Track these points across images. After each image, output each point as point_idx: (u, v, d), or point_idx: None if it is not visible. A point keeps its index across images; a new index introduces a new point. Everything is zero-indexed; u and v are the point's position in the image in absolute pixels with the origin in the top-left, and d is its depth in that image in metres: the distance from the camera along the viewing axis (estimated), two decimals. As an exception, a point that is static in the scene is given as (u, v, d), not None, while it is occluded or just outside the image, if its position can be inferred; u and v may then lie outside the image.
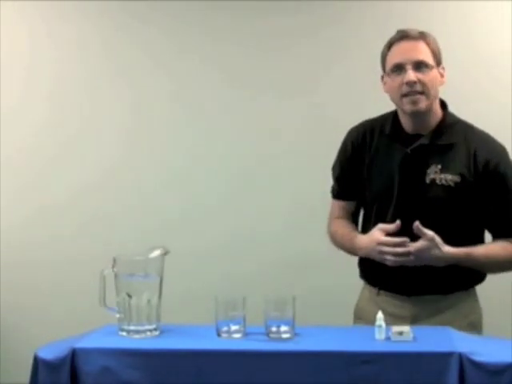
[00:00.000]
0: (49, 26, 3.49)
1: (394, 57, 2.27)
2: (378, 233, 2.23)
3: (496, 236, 2.33)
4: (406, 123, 2.33)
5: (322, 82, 3.41)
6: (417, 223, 2.17)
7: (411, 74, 2.23)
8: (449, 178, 2.25)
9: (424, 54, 2.25)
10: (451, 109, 2.37)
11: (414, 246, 2.17)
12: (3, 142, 3.47)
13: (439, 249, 2.18)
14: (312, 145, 3.40)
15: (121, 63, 3.49)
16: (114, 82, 3.49)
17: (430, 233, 2.16)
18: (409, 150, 2.29)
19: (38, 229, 3.48)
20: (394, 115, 2.37)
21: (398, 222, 2.21)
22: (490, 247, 2.29)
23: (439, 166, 2.26)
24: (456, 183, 2.24)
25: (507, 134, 2.85)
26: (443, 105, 2.36)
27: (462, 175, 2.25)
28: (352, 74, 3.37)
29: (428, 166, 2.27)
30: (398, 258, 2.19)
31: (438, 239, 2.18)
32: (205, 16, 3.44)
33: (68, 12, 3.47)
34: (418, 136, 2.30)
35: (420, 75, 2.23)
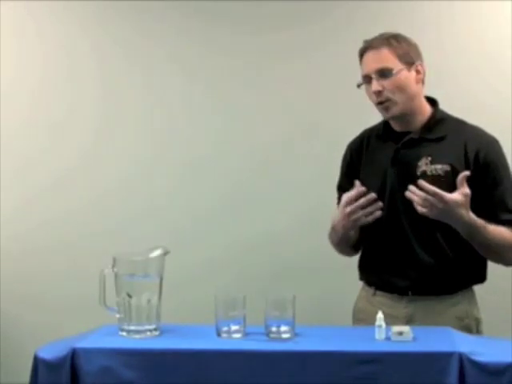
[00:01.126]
0: (37, 25, 3.48)
1: (363, 68, 2.34)
2: (344, 200, 2.24)
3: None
4: (394, 124, 2.39)
5: (321, 92, 3.40)
6: (467, 173, 2.15)
7: (375, 85, 2.28)
8: (438, 168, 2.25)
9: (386, 60, 2.28)
10: (458, 104, 2.38)
11: (449, 196, 2.12)
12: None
13: (466, 209, 2.16)
14: (306, 153, 3.40)
15: (108, 64, 3.46)
16: (100, 82, 3.46)
17: (467, 190, 2.15)
18: (399, 145, 2.33)
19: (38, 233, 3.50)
20: None
21: (359, 184, 2.22)
22: (495, 226, 2.25)
23: (429, 158, 2.28)
24: (446, 172, 2.24)
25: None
26: (433, 102, 2.38)
27: (451, 165, 2.25)
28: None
29: (419, 159, 2.28)
30: (366, 210, 2.20)
31: (468, 200, 2.16)
32: (193, 21, 3.43)
33: (57, 12, 3.45)
34: (408, 133, 2.34)
35: (385, 82, 2.27)
